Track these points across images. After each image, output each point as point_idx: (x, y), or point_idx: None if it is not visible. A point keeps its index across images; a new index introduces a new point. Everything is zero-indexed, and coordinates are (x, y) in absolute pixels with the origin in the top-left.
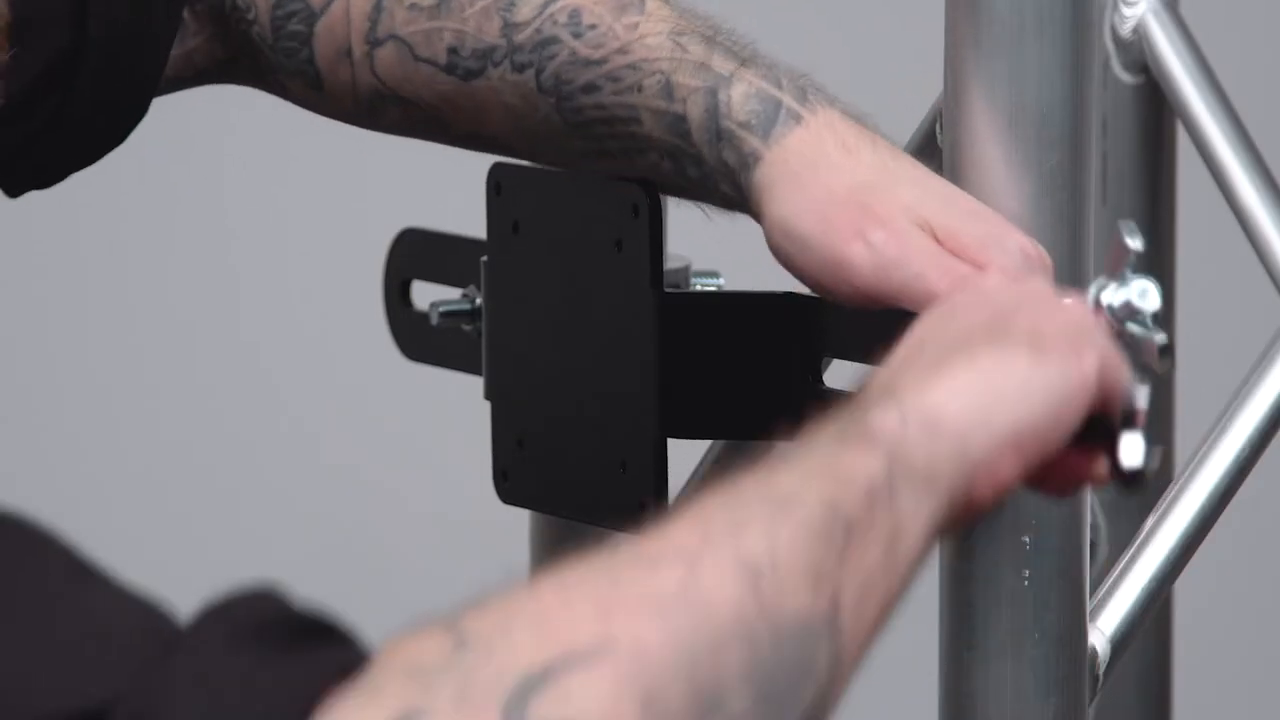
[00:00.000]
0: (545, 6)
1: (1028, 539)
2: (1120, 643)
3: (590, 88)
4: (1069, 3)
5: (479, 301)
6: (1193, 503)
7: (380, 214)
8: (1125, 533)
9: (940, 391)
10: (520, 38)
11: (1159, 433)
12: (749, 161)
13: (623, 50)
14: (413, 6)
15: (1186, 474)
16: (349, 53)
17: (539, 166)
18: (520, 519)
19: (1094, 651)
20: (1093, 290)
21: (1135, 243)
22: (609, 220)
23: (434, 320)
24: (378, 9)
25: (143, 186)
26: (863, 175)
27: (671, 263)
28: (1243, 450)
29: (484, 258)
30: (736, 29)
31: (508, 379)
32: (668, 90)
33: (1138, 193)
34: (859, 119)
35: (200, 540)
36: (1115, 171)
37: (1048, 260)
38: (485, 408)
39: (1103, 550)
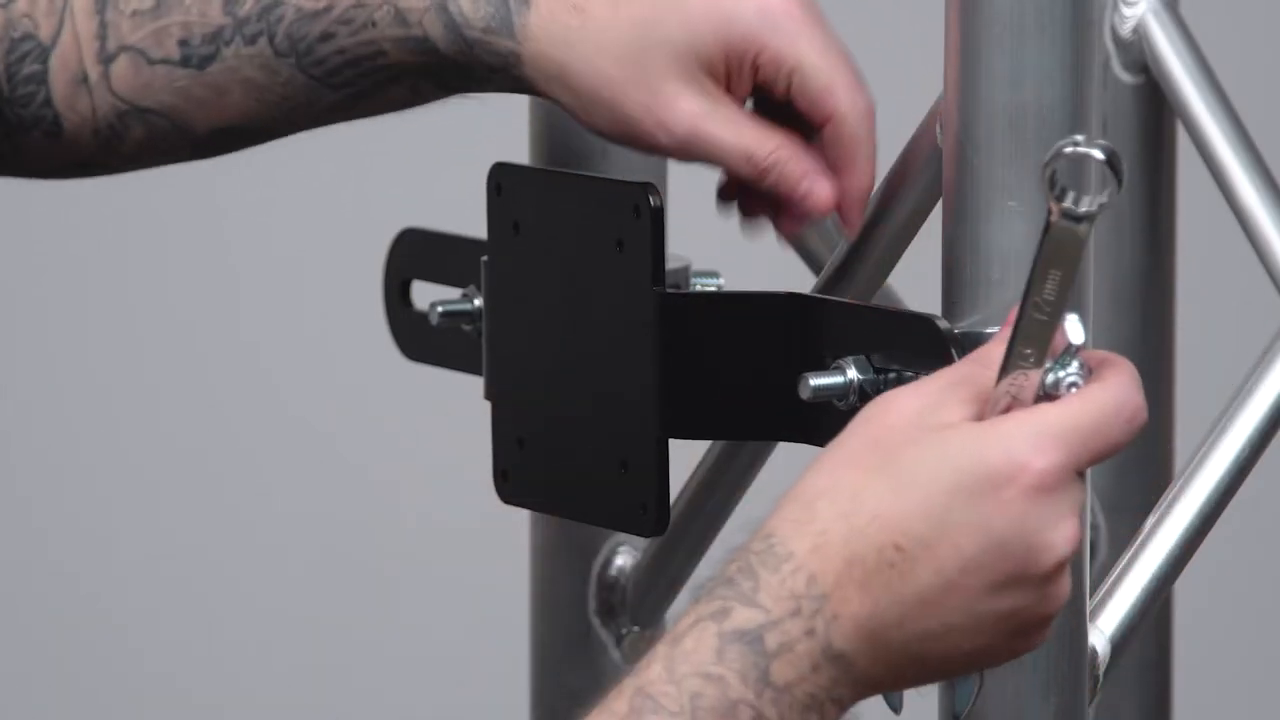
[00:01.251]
0: None
1: None
2: (1120, 643)
3: (326, 36)
4: (1069, 2)
5: (479, 301)
6: (1193, 503)
7: (380, 214)
8: (1125, 533)
9: (867, 661)
10: (244, 11)
11: (1159, 432)
12: (510, 61)
13: None
14: (135, 13)
15: (1186, 474)
16: (85, 79)
17: (540, 167)
18: (520, 519)
19: (1094, 651)
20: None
21: (1076, 337)
22: (610, 220)
23: (434, 320)
24: (103, 26)
25: (142, 186)
26: (609, 35)
27: (671, 263)
28: (1243, 450)
29: (484, 258)
30: None
31: (508, 379)
32: (401, 18)
33: (1138, 193)
34: None
35: (200, 541)
36: None
37: (871, 103)
38: (485, 408)
39: (1103, 550)
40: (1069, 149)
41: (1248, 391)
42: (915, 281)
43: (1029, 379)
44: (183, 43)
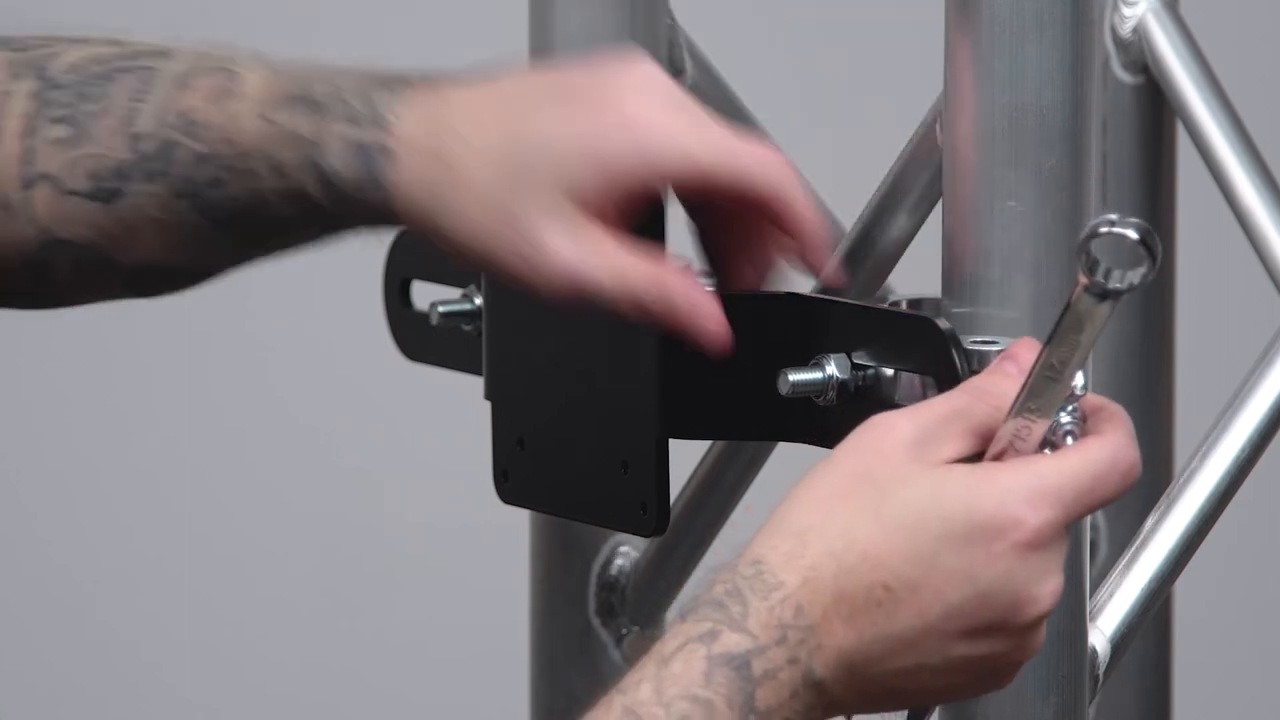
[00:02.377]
0: (162, 113)
1: None
2: (1120, 643)
3: (216, 183)
4: (1069, 3)
5: (479, 301)
6: (1192, 503)
7: None
8: (1125, 533)
9: (842, 689)
10: (145, 148)
11: (1159, 431)
12: (386, 215)
13: (227, 141)
14: (55, 141)
15: (1186, 474)
16: (7, 204)
17: None
18: (520, 519)
19: (1094, 651)
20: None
21: (1078, 385)
22: None
23: (434, 320)
24: (29, 151)
25: None
26: (477, 189)
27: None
28: (1243, 450)
29: None
30: (327, 60)
31: (508, 379)
32: (279, 171)
33: (1138, 193)
34: (428, 95)
35: (199, 540)
36: (1115, 171)
37: (789, 170)
38: (485, 408)
39: (1103, 550)
40: (1104, 229)
41: (1248, 391)
42: (915, 282)
43: (1033, 430)
44: (92, 175)
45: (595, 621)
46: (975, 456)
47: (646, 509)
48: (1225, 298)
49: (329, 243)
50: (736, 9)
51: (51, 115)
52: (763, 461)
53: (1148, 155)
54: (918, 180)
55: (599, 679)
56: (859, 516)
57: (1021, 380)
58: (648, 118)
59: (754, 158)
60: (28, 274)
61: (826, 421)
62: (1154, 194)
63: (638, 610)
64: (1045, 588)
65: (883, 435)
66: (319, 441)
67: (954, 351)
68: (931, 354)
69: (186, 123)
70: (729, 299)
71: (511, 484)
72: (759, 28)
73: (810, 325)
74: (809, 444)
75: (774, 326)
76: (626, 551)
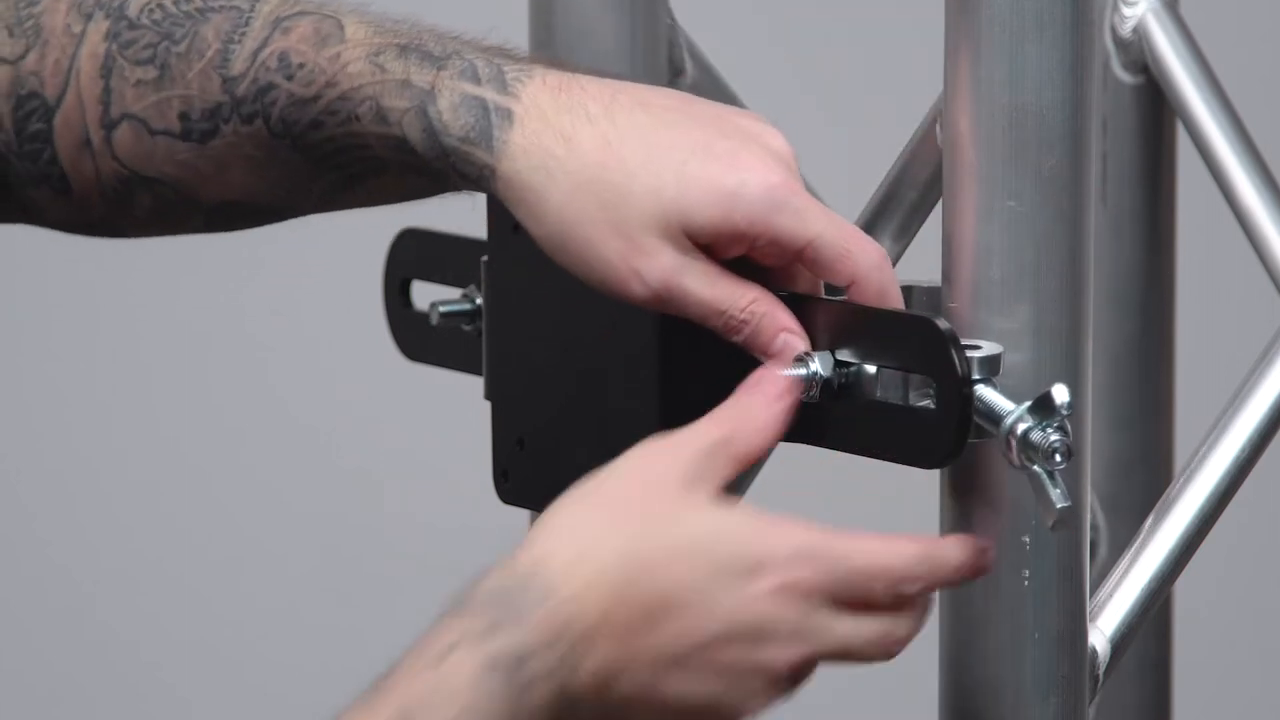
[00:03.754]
0: (257, 55)
1: (1028, 539)
2: (1120, 643)
3: (315, 124)
4: (1069, 3)
5: (479, 301)
6: (1192, 503)
7: (380, 214)
8: (1125, 533)
9: (589, 711)
10: (240, 90)
11: (1159, 431)
12: (485, 174)
13: (330, 84)
14: (139, 83)
15: (1186, 474)
16: (88, 142)
17: None
18: (520, 519)
19: (1094, 651)
20: (1013, 415)
21: (1062, 398)
22: None
23: (434, 320)
24: (108, 91)
25: None
26: (593, 172)
27: None
28: (1243, 450)
29: (484, 258)
30: (433, 23)
31: (508, 379)
32: (381, 116)
33: (1138, 193)
34: (561, 76)
35: (199, 540)
36: (1115, 171)
37: (883, 256)
38: (485, 408)
39: (1103, 550)
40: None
41: (1248, 391)
42: (917, 279)
43: None
44: (183, 116)
45: None
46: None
47: None
48: (1225, 298)
49: (420, 197)
50: (736, 9)
51: (133, 56)
52: (762, 462)
53: (1148, 155)
54: (918, 180)
55: None
56: (641, 536)
57: (770, 402)
58: (785, 187)
59: (865, 254)
60: (103, 206)
61: (814, 419)
62: (1154, 194)
63: None
64: (788, 645)
65: (663, 458)
66: (319, 441)
67: (953, 351)
68: (930, 354)
69: (285, 65)
70: None
71: (511, 484)
72: (759, 28)
73: (809, 325)
74: (799, 442)
75: None
76: None
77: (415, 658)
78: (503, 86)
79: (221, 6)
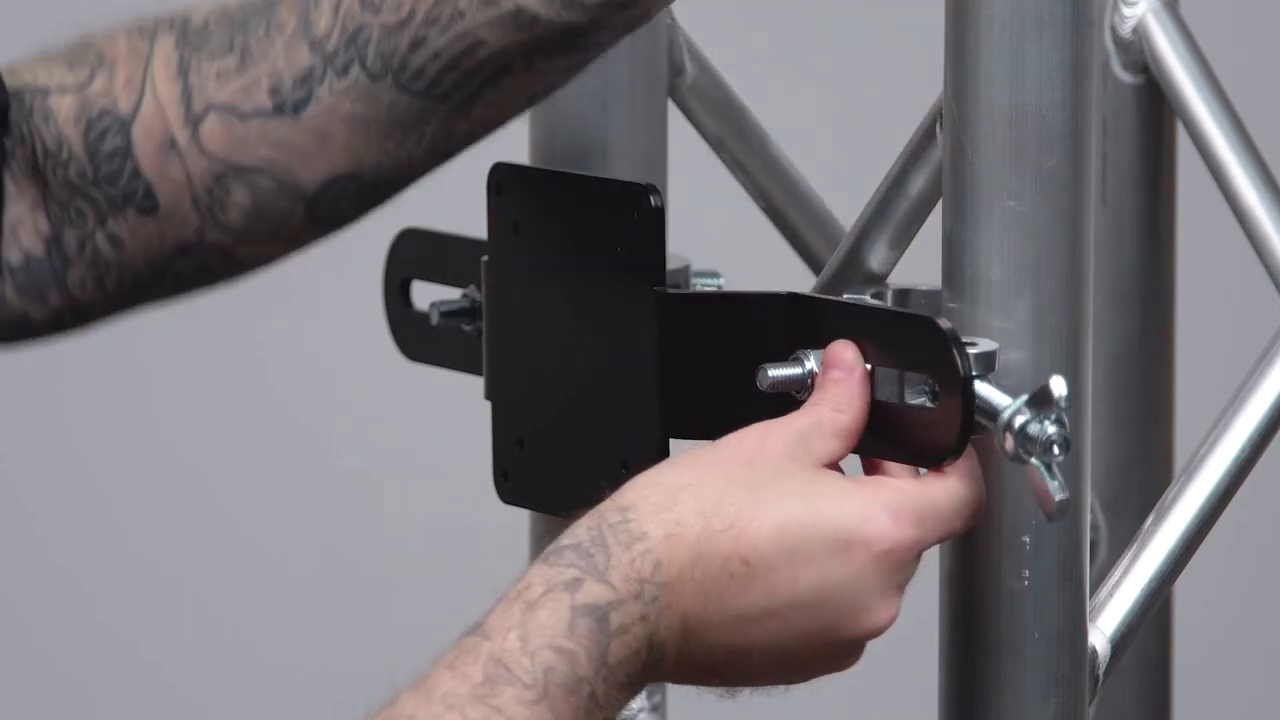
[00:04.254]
0: (338, 8)
1: (1028, 539)
2: (1120, 643)
3: (416, 43)
4: (1069, 3)
5: (479, 301)
6: (1192, 503)
7: (380, 214)
8: (1125, 533)
9: (675, 656)
10: (330, 45)
11: (1159, 431)
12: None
13: None
14: (220, 74)
15: (1186, 474)
16: (173, 143)
17: (541, 167)
18: (520, 519)
19: (1094, 651)
20: (1010, 408)
21: (1060, 391)
22: (611, 220)
23: (434, 320)
24: (186, 89)
25: None
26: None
27: (671, 263)
28: (1243, 450)
29: (484, 258)
30: None
31: (508, 379)
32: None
33: (1138, 193)
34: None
35: (199, 540)
36: (1115, 172)
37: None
38: (485, 407)
39: (1103, 550)
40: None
41: (1248, 391)
42: (915, 281)
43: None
44: (273, 91)
45: None
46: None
47: None
48: (1225, 298)
49: (557, 77)
50: (736, 9)
51: (209, 53)
52: None
53: (1148, 155)
54: (918, 181)
55: None
56: (735, 489)
57: (851, 380)
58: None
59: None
60: (195, 214)
61: None
62: (1154, 194)
63: None
64: (884, 607)
65: (764, 433)
66: (319, 441)
67: (954, 350)
68: (932, 353)
69: (368, 4)
70: (729, 298)
71: (511, 484)
72: (759, 27)
73: (810, 325)
74: None
75: (774, 326)
76: None
77: (504, 608)
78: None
79: None
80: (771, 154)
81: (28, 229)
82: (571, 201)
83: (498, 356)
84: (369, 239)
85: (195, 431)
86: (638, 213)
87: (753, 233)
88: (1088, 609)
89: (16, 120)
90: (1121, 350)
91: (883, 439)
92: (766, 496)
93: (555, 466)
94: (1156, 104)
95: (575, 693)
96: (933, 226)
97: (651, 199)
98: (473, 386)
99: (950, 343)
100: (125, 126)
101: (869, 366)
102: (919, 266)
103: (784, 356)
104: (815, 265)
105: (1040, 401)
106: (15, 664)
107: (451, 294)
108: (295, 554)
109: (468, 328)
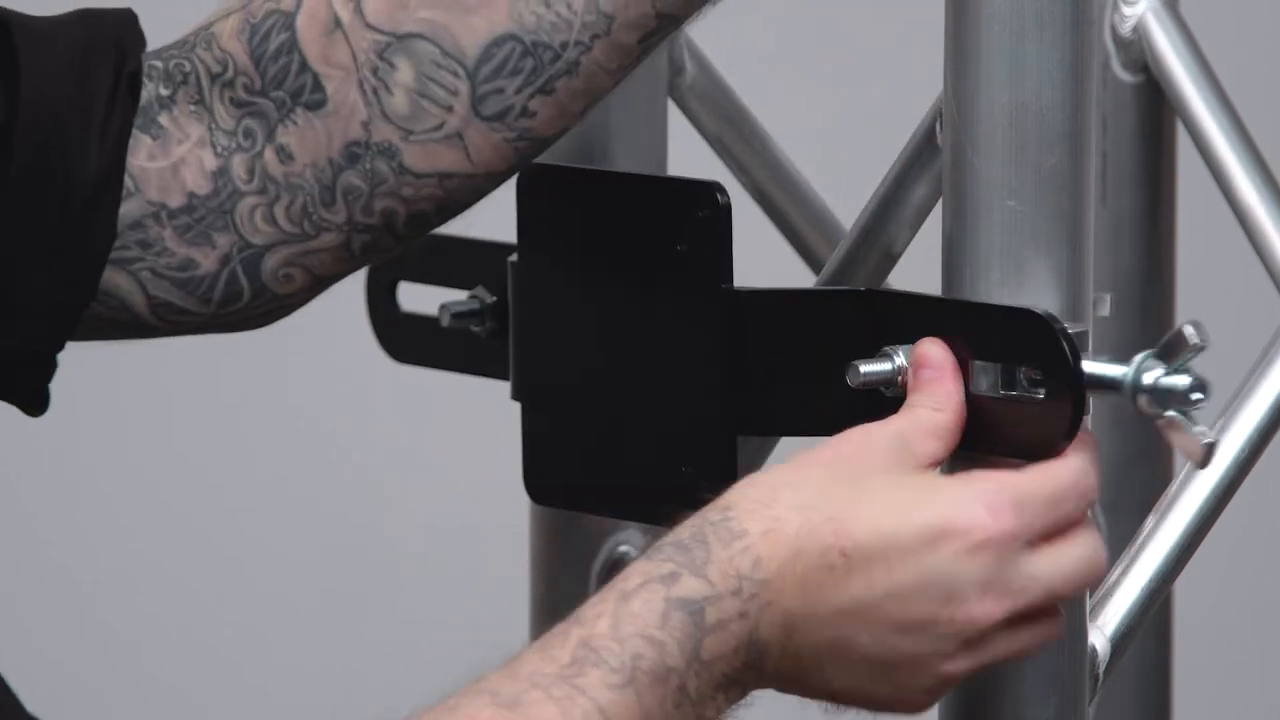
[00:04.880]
0: None
1: None
2: (1120, 643)
3: None
4: (1068, 2)
5: (489, 302)
6: (1193, 502)
7: None
8: (1125, 532)
9: (778, 655)
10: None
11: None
12: None
13: None
14: None
15: (1186, 474)
16: (338, 23)
17: (579, 167)
18: (521, 517)
19: (1094, 651)
20: (1133, 371)
21: (1197, 338)
22: (670, 218)
23: (444, 322)
24: None
25: None
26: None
27: None
28: (1243, 450)
29: (511, 258)
30: None
31: (541, 379)
32: None
33: (1138, 192)
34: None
35: (200, 540)
36: (1115, 171)
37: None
38: (486, 407)
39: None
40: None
41: (1248, 391)
42: (915, 282)
43: None
44: None
45: None
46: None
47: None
48: (1225, 298)
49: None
50: (736, 9)
51: None
52: (763, 461)
53: (1148, 155)
54: (918, 180)
55: None
56: (834, 483)
57: (945, 378)
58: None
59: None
60: (362, 102)
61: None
62: (1154, 193)
63: None
64: (984, 600)
65: (865, 435)
66: (319, 441)
67: (1061, 340)
68: (1037, 344)
69: None
70: (802, 295)
71: (544, 484)
72: (759, 27)
73: (894, 320)
74: None
75: (847, 322)
76: (627, 550)
77: (599, 597)
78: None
79: None
80: (771, 154)
81: (192, 168)
82: (617, 200)
83: (528, 357)
84: None
85: (195, 431)
86: (703, 210)
87: (752, 232)
88: (1088, 609)
89: (178, 62)
90: (1121, 350)
91: (982, 434)
92: (865, 491)
93: (597, 465)
94: (1156, 103)
95: (663, 683)
96: (932, 226)
97: (719, 196)
98: (473, 386)
99: (1057, 333)
100: (290, 20)
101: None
102: (919, 267)
103: (860, 353)
104: (815, 265)
105: (1171, 351)
106: (15, 664)
107: (459, 295)
108: (295, 554)
109: (477, 329)
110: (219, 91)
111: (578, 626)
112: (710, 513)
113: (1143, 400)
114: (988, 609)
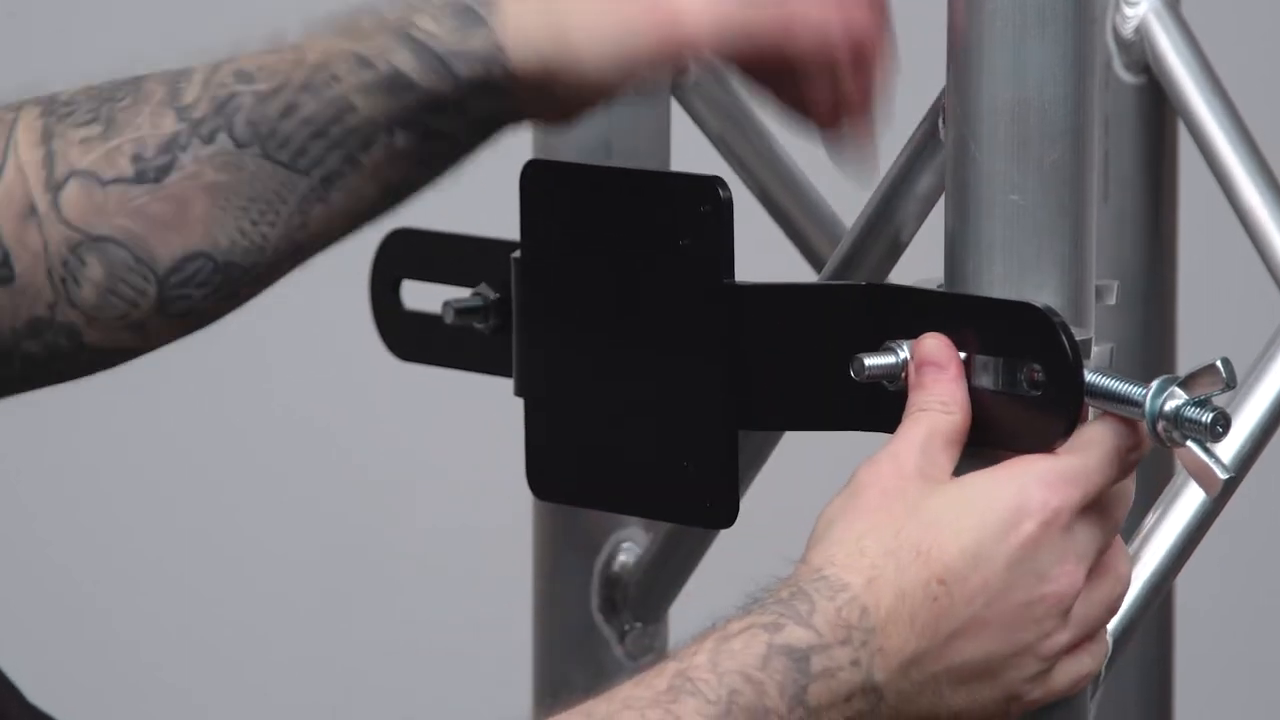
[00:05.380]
0: (209, 80)
1: None
2: (1120, 640)
3: (288, 110)
4: None
5: (492, 299)
6: (1193, 500)
7: None
8: (1125, 531)
9: (895, 696)
10: (197, 113)
11: None
12: (494, 57)
13: (298, 63)
14: (85, 140)
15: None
16: (33, 210)
17: (581, 163)
18: (524, 515)
19: None
20: (1154, 388)
21: (1225, 376)
22: (672, 214)
23: (448, 319)
24: (50, 155)
25: None
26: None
27: None
28: (1243, 448)
29: (515, 255)
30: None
31: (544, 375)
32: (363, 60)
33: (1139, 192)
34: None
35: (200, 540)
36: (1117, 171)
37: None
38: (488, 405)
39: None
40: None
41: (1248, 389)
42: (918, 276)
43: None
44: (136, 158)
45: (598, 618)
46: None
47: (713, 501)
48: (1226, 297)
49: (420, 163)
50: None
51: (74, 121)
52: (764, 459)
53: (1149, 155)
54: (920, 176)
55: (602, 675)
56: (903, 520)
57: (950, 376)
58: None
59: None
60: (49, 289)
61: (896, 409)
62: (1155, 193)
63: (640, 606)
64: (1064, 571)
65: (892, 462)
66: (320, 441)
67: (1062, 335)
68: (1037, 338)
69: (244, 75)
70: (804, 290)
71: (547, 479)
72: None
73: (895, 313)
74: (878, 431)
75: (849, 316)
76: (629, 548)
77: (697, 640)
78: None
79: (161, 72)
80: (774, 151)
81: None
82: (620, 196)
83: (532, 353)
84: (369, 238)
85: (195, 431)
86: (706, 205)
87: (755, 230)
88: None
89: None
90: (1121, 350)
91: (981, 429)
92: (931, 516)
93: (600, 461)
94: (1158, 104)
95: None
96: (935, 222)
97: (721, 191)
98: (474, 385)
99: (1057, 328)
100: None
101: (963, 355)
102: (921, 262)
103: (862, 348)
104: (817, 262)
105: (1197, 383)
106: (16, 664)
107: (462, 293)
108: (295, 554)
109: (480, 326)
110: None
111: (674, 660)
112: (802, 577)
113: (1162, 426)
114: (1071, 575)
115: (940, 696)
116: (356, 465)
